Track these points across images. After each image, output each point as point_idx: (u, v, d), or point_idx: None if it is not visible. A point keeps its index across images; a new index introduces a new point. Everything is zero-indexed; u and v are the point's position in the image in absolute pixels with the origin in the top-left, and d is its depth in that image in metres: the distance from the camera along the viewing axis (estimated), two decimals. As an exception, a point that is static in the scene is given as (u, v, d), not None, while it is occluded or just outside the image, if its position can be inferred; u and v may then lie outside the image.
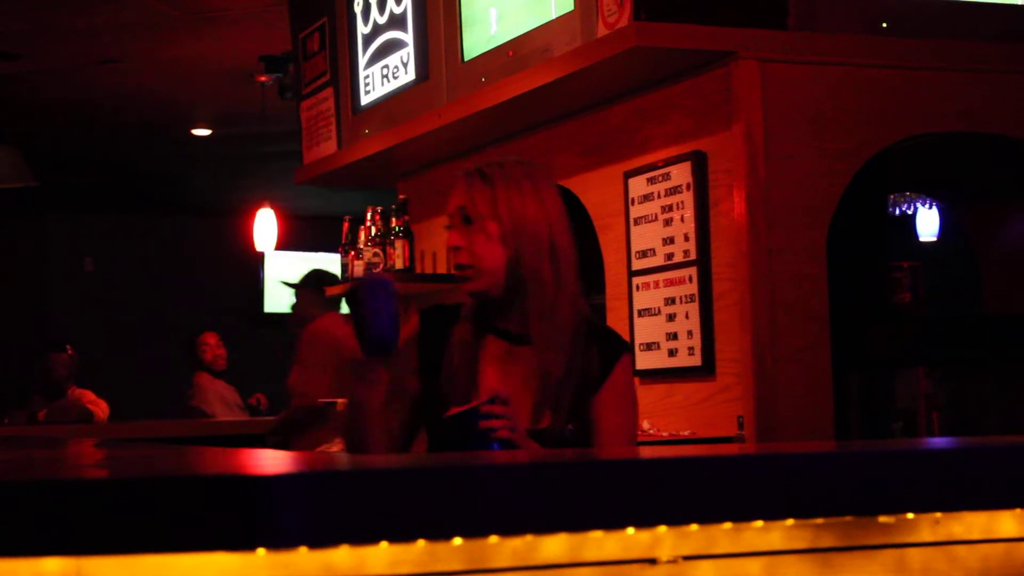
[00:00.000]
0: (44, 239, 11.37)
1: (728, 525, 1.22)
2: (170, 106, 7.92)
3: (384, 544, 1.12)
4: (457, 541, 1.13)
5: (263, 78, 6.78)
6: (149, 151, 9.48)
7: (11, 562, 1.18)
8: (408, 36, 4.36)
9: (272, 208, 8.10)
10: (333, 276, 6.23)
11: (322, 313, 5.98)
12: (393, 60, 4.47)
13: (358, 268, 4.79)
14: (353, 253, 4.81)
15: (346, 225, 4.95)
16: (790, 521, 1.25)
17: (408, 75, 4.38)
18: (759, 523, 1.24)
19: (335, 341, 5.06)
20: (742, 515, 1.22)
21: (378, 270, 4.67)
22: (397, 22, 4.43)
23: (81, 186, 10.53)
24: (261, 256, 11.33)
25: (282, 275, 6.38)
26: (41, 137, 8.81)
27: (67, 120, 8.29)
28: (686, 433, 3.50)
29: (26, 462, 1.79)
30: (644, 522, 1.19)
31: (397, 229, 4.63)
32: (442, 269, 4.77)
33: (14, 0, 5.77)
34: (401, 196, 4.85)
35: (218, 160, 9.66)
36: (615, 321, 3.85)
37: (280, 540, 1.08)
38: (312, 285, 6.03)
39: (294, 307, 5.96)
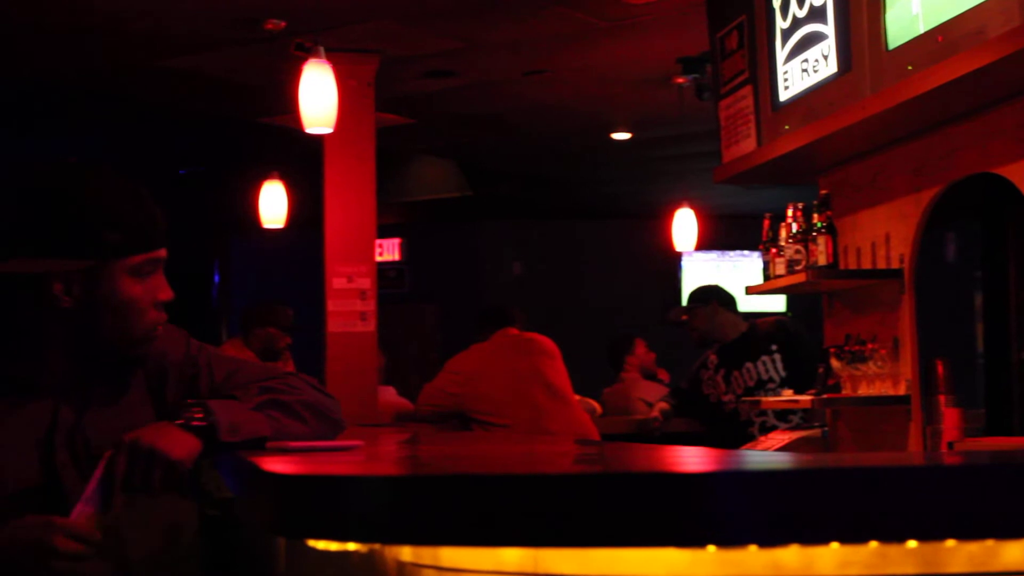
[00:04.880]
0: (477, 244, 12.00)
1: None
2: (590, 112, 8.15)
3: (835, 545, 1.10)
4: (911, 544, 1.10)
5: (680, 80, 6.85)
6: (571, 157, 9.80)
7: (474, 551, 1.25)
8: (829, 28, 4.27)
9: (691, 208, 8.15)
10: (713, 288, 6.24)
11: (734, 322, 5.99)
12: (813, 53, 4.40)
13: (780, 266, 4.74)
14: (774, 250, 4.77)
15: (766, 223, 4.91)
16: None
17: (829, 68, 4.29)
18: None
19: None
20: None
21: (800, 267, 4.61)
22: (817, 14, 4.35)
23: (510, 194, 11.03)
24: (678, 257, 11.44)
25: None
26: (474, 149, 9.32)
27: (496, 131, 8.71)
28: None
29: (479, 458, 1.90)
30: (1119, 531, 1.11)
31: (819, 225, 4.54)
32: (867, 264, 4.64)
33: (452, 21, 6.13)
34: (823, 191, 4.75)
35: (637, 163, 9.85)
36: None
37: (731, 538, 1.09)
38: (701, 302, 6.07)
39: (692, 329, 6.03)
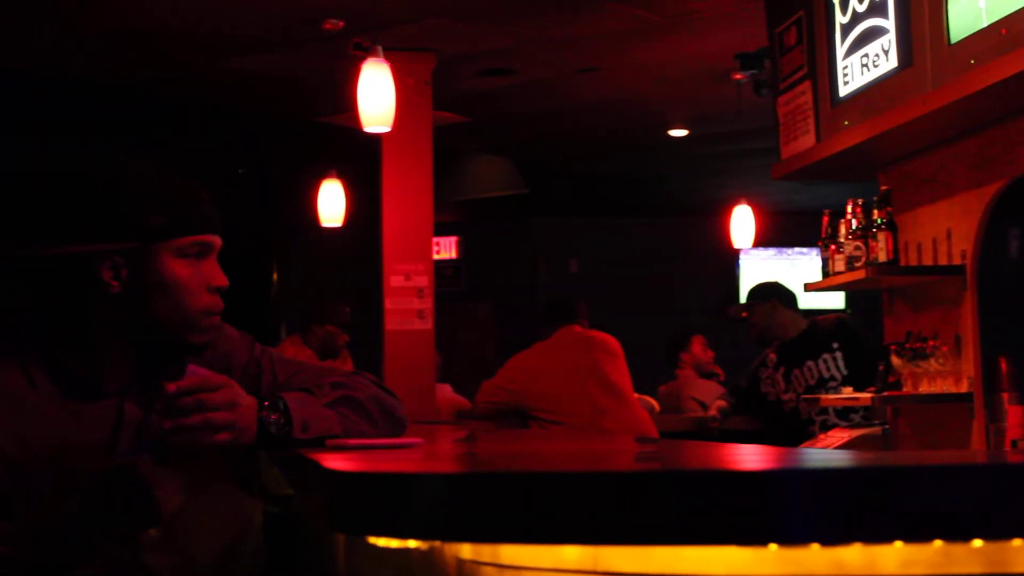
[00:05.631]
0: (533, 242, 12.00)
1: None
2: (647, 109, 8.12)
3: (898, 544, 1.09)
4: (976, 543, 1.09)
5: (738, 76, 6.81)
6: (627, 154, 9.77)
7: (534, 549, 1.25)
8: (889, 22, 4.23)
9: (748, 205, 8.10)
10: (773, 285, 6.21)
11: (794, 319, 5.96)
12: (873, 48, 4.36)
13: (839, 263, 4.70)
14: (834, 247, 4.73)
15: (825, 219, 4.87)
16: None
17: (890, 62, 4.25)
18: None
19: None
20: None
21: (859, 264, 4.56)
22: (877, 8, 4.31)
23: (566, 191, 11.03)
24: (736, 254, 11.38)
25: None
26: (529, 146, 9.32)
27: (552, 129, 8.70)
28: None
29: (538, 456, 1.90)
30: None
31: (879, 221, 4.49)
32: (927, 261, 4.59)
33: (508, 20, 6.14)
34: (883, 187, 4.71)
35: (695, 160, 9.80)
36: None
37: (793, 536, 1.08)
38: (760, 299, 6.04)
39: (751, 326, 6.01)
